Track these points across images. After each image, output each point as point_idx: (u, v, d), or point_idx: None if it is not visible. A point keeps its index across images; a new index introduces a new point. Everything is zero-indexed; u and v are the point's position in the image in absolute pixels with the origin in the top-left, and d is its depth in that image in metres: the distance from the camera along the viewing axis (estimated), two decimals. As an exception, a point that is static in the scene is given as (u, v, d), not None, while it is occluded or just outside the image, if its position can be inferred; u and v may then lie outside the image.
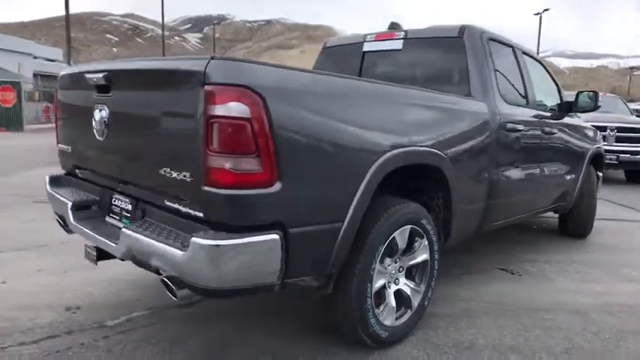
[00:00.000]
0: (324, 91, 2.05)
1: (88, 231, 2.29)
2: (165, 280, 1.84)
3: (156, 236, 1.88)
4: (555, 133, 3.96)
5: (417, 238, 2.54)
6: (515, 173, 3.41)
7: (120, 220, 2.32)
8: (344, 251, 2.10)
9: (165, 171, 1.90)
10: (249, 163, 1.72)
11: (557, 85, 4.39)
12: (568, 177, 4.30)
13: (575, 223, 4.84)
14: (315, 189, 1.96)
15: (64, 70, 2.82)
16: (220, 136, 1.69)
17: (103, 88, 2.23)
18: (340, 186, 2.06)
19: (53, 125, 3.01)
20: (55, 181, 2.84)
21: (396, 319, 2.49)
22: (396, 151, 2.25)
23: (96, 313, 2.75)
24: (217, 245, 1.69)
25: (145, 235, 1.90)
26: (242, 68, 1.75)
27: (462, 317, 2.89)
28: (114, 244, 2.07)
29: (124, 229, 2.00)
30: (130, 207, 2.27)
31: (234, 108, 1.69)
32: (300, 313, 2.86)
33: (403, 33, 3.57)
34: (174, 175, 1.86)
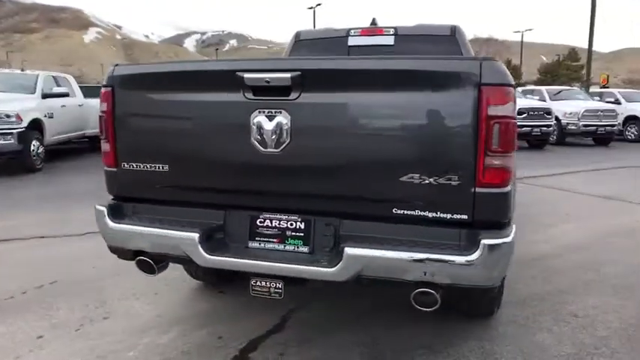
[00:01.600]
0: None
1: (253, 261, 1.92)
2: (428, 290, 1.76)
3: (408, 248, 1.76)
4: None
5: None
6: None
7: (283, 243, 2.01)
8: None
9: (411, 177, 1.78)
10: (510, 160, 1.79)
11: None
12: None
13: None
14: None
15: (137, 67, 2.14)
16: (501, 136, 1.71)
17: (274, 91, 1.87)
18: None
19: None
20: (117, 212, 2.19)
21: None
22: None
23: (198, 362, 2.28)
24: (505, 243, 1.73)
25: (394, 250, 1.76)
26: (503, 68, 1.77)
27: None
28: (327, 269, 1.82)
29: (350, 250, 1.78)
30: (301, 225, 1.99)
31: (509, 108, 1.73)
32: (390, 304, 2.90)
33: (392, 29, 3.79)
34: (429, 180, 1.76)
